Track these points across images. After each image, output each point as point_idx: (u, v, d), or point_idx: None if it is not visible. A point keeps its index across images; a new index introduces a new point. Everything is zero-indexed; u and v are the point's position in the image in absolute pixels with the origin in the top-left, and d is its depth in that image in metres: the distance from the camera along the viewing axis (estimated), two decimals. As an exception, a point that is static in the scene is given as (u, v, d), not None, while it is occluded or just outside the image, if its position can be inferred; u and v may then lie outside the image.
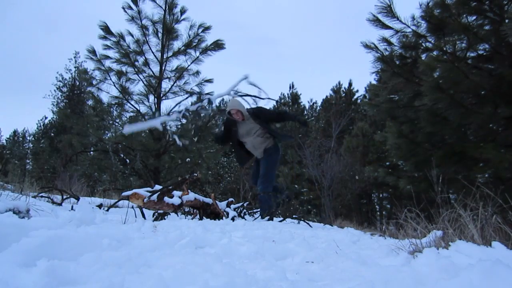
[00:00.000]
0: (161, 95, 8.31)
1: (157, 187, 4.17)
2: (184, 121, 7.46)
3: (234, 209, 4.55)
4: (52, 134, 24.51)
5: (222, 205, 4.59)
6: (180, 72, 8.35)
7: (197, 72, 8.43)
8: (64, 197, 4.53)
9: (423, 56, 5.15)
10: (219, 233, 2.37)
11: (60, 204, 4.09)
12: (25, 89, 61.36)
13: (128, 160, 7.97)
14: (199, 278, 1.27)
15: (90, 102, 10.85)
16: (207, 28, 8.22)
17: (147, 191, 3.94)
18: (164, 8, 8.20)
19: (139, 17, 8.09)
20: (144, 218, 3.82)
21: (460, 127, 4.91)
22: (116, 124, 8.69)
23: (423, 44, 5.13)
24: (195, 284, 1.21)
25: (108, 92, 8.09)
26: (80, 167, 12.02)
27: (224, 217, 4.17)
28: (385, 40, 5.16)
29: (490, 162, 4.18)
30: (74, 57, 23.52)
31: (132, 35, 8.14)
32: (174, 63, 8.47)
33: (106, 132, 9.27)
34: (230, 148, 5.20)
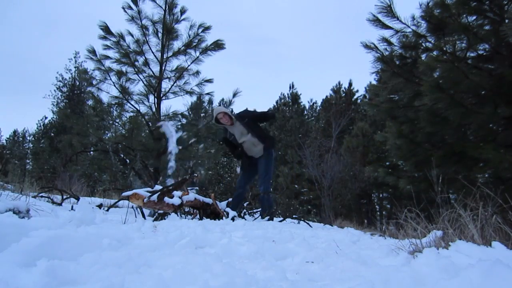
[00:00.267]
0: (161, 95, 8.31)
1: (157, 187, 4.17)
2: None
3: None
4: (52, 134, 24.48)
5: (222, 205, 4.60)
6: (180, 72, 8.35)
7: (197, 72, 8.43)
8: (64, 197, 4.54)
9: (423, 56, 5.15)
10: (219, 233, 2.37)
11: (60, 204, 4.09)
12: (25, 89, 61.42)
13: (128, 160, 7.97)
14: (199, 278, 1.27)
15: (90, 102, 10.86)
16: (207, 28, 8.22)
17: (147, 191, 3.95)
18: (164, 8, 8.20)
19: (139, 17, 8.09)
20: (144, 218, 3.82)
21: (460, 127, 4.91)
22: (116, 124, 8.70)
23: (423, 44, 5.13)
24: (195, 284, 1.21)
25: (108, 92, 8.08)
26: (80, 167, 12.03)
27: (224, 217, 4.17)
28: (385, 40, 5.16)
29: (490, 162, 4.18)
30: (74, 57, 23.52)
31: (132, 35, 8.14)
32: (174, 63, 8.47)
33: (106, 132, 9.27)
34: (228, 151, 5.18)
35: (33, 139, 29.33)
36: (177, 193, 4.10)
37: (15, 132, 32.61)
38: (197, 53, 8.27)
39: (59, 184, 6.79)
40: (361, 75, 57.15)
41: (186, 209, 4.34)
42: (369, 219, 18.66)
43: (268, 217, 4.42)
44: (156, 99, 8.26)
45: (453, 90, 4.37)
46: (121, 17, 8.08)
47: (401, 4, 4.95)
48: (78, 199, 4.61)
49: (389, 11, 4.87)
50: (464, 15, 4.63)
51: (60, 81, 23.42)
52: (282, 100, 27.64)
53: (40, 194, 4.43)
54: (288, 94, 27.93)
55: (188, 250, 1.86)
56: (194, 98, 8.90)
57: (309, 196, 20.75)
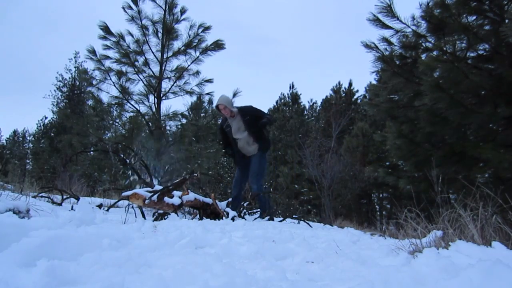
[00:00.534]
0: (161, 95, 8.31)
1: (157, 187, 4.17)
2: None
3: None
4: (52, 134, 24.48)
5: (222, 205, 4.60)
6: (180, 72, 8.36)
7: (197, 72, 8.44)
8: (64, 197, 4.54)
9: (423, 56, 5.15)
10: (219, 233, 2.37)
11: (60, 204, 4.09)
12: (25, 89, 61.41)
13: (128, 160, 7.97)
14: (199, 278, 1.27)
15: (90, 102, 10.85)
16: (207, 28, 8.23)
17: (147, 191, 3.95)
18: (164, 8, 8.21)
19: (139, 17, 8.09)
20: (144, 218, 3.82)
21: (460, 127, 4.90)
22: (116, 124, 8.70)
23: (423, 44, 5.13)
24: (195, 284, 1.21)
25: (108, 92, 8.10)
26: (80, 167, 12.01)
27: (224, 217, 4.17)
28: (385, 40, 5.16)
29: (490, 162, 4.18)
30: (74, 57, 23.50)
31: (132, 35, 8.15)
32: (174, 63, 8.49)
33: (106, 132, 9.28)
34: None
35: (33, 139, 29.34)
36: (177, 193, 4.10)
37: (15, 132, 32.63)
38: (197, 53, 8.29)
39: (59, 184, 6.79)
40: (361, 75, 57.20)
41: (186, 209, 4.34)
42: (369, 219, 18.65)
43: (268, 217, 4.42)
44: (156, 99, 8.26)
45: (453, 90, 4.36)
46: (121, 17, 8.09)
47: (401, 4, 4.96)
48: (78, 199, 4.61)
49: (389, 11, 4.87)
50: (464, 15, 4.63)
51: (60, 81, 23.42)
52: (282, 100, 27.63)
53: (40, 194, 4.43)
54: (288, 94, 27.93)
55: (188, 250, 1.86)
56: (194, 98, 8.93)
57: (309, 196, 20.76)
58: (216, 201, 4.50)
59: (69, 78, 23.53)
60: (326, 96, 27.87)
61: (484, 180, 4.62)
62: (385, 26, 5.07)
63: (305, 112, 29.40)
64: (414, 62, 5.12)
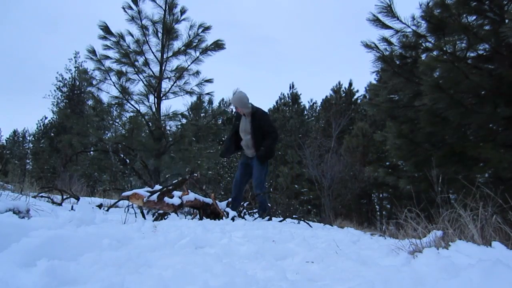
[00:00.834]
0: (161, 95, 8.31)
1: (157, 187, 4.17)
2: None
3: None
4: (52, 134, 24.50)
5: (222, 205, 4.59)
6: (180, 72, 8.35)
7: (197, 72, 8.43)
8: (64, 197, 4.54)
9: (423, 56, 5.16)
10: (219, 233, 2.37)
11: (60, 204, 4.09)
12: (25, 89, 61.32)
13: (128, 160, 7.97)
14: (199, 278, 1.27)
15: (90, 102, 10.86)
16: (207, 28, 8.22)
17: (147, 191, 3.95)
18: (164, 8, 8.20)
19: (139, 17, 8.09)
20: (144, 218, 3.82)
21: (460, 127, 4.91)
22: (116, 124, 8.70)
23: (423, 44, 5.13)
24: (195, 284, 1.21)
25: (108, 92, 8.09)
26: (80, 167, 12.01)
27: (224, 217, 4.17)
28: (385, 40, 5.17)
29: (490, 162, 4.19)
30: (74, 57, 23.50)
31: (132, 35, 8.14)
32: (174, 63, 8.48)
33: (106, 132, 9.28)
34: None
35: (33, 139, 29.36)
36: (177, 193, 4.10)
37: (15, 132, 32.63)
38: (197, 53, 8.28)
39: (59, 184, 6.79)
40: (361, 75, 57.15)
41: (186, 209, 4.34)
42: (369, 219, 18.65)
43: (268, 217, 4.42)
44: (156, 99, 8.26)
45: (453, 90, 4.37)
46: (121, 17, 8.09)
47: (401, 4, 4.96)
48: (78, 199, 4.61)
49: (389, 11, 4.87)
50: (464, 15, 4.63)
51: (60, 81, 23.44)
52: (282, 100, 27.64)
53: (40, 194, 4.43)
54: (288, 94, 27.95)
55: (188, 250, 1.86)
56: (194, 98, 8.92)
57: (309, 196, 20.76)
58: (216, 201, 4.50)
59: (69, 78, 23.56)
60: (326, 96, 27.86)
61: (484, 180, 4.62)
62: (385, 26, 5.07)
63: (305, 112, 29.41)
64: (414, 62, 5.12)
